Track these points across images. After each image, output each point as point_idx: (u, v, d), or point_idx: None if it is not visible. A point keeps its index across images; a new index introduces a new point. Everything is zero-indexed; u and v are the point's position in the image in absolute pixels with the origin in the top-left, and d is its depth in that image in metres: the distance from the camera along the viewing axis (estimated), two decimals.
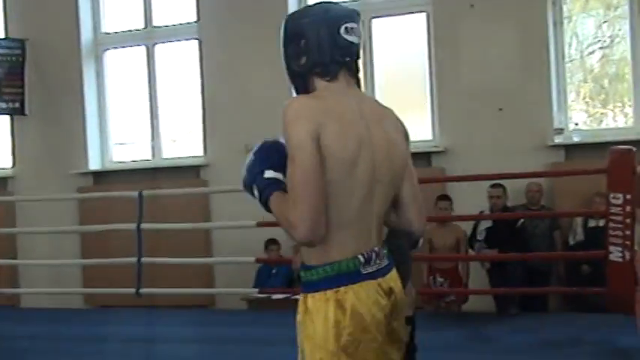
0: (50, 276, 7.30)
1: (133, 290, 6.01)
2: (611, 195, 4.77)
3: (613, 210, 4.76)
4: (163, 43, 7.77)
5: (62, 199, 7.37)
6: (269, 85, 7.08)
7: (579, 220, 6.11)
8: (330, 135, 1.92)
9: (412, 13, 7.10)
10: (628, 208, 4.62)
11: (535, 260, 6.10)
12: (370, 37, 7.13)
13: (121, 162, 7.92)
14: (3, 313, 6.87)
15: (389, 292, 2.03)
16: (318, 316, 1.96)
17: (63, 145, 7.74)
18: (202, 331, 5.84)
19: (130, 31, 7.89)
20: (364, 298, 1.96)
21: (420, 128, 6.98)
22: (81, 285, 7.45)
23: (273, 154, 2.04)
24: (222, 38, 7.28)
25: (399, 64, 7.28)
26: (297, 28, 2.08)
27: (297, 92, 2.10)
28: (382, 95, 7.12)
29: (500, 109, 6.52)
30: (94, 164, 7.82)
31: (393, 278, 2.07)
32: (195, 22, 7.52)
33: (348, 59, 2.07)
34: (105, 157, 7.90)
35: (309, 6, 2.15)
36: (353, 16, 2.09)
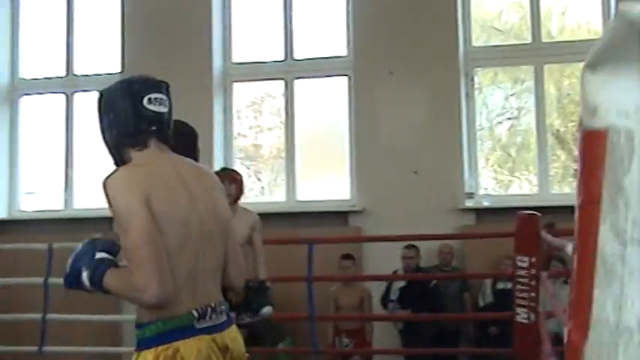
0: None
1: (35, 348, 5.78)
2: (518, 258, 4.97)
3: (519, 272, 4.94)
4: (84, 91, 7.68)
5: None
6: None
7: (489, 282, 6.33)
8: (158, 199, 2.01)
9: (334, 76, 7.31)
10: (533, 271, 4.81)
11: (446, 321, 6.26)
12: (292, 98, 7.30)
13: (28, 211, 7.65)
14: None
15: (224, 349, 2.08)
16: None
17: None
18: None
19: (50, 78, 7.76)
20: (195, 352, 2.00)
21: (339, 188, 7.14)
22: None
23: (101, 244, 2.11)
24: None
25: (320, 125, 7.45)
26: (106, 102, 2.23)
27: (116, 164, 2.21)
28: (303, 154, 7.26)
29: (416, 172, 6.75)
30: (1, 212, 7.54)
31: (231, 336, 2.13)
32: (120, 72, 7.49)
33: (154, 128, 2.18)
34: (12, 205, 7.63)
35: (118, 80, 2.32)
36: (159, 87, 2.23)
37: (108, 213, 6.71)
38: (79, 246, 2.12)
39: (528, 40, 7.08)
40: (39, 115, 7.87)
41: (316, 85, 7.43)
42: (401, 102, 6.84)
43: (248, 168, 7.84)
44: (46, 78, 7.78)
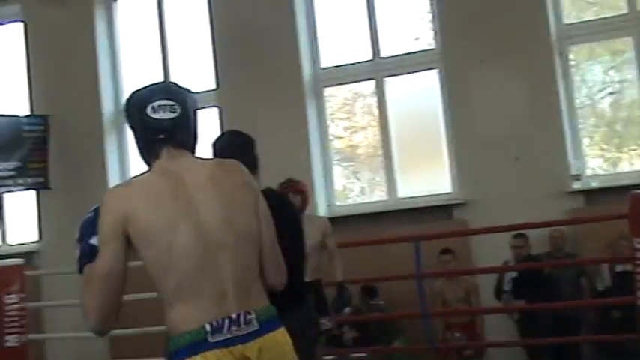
0: (78, 350, 7.32)
1: None
2: (635, 240, 4.79)
3: (638, 255, 4.78)
4: None
5: None
6: (286, 147, 7.27)
7: (605, 265, 6.10)
8: (137, 219, 1.95)
9: (423, 70, 7.26)
10: None
11: (563, 308, 6.09)
12: (384, 96, 7.31)
13: None
14: None
15: None
16: None
17: None
18: None
19: None
20: None
21: (439, 182, 7.08)
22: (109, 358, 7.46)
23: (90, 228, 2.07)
24: (240, 105, 7.46)
25: (413, 120, 7.40)
26: (127, 119, 2.18)
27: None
28: (400, 151, 7.25)
29: (517, 159, 6.61)
30: None
31: (258, 346, 1.98)
32: (215, 89, 7.74)
33: (162, 136, 2.08)
34: None
35: (132, 92, 2.20)
36: (164, 91, 2.12)
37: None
38: (90, 212, 2.10)
39: (624, 10, 6.78)
40: None
41: (406, 81, 7.40)
42: (495, 89, 6.71)
43: (346, 169, 7.90)
44: None
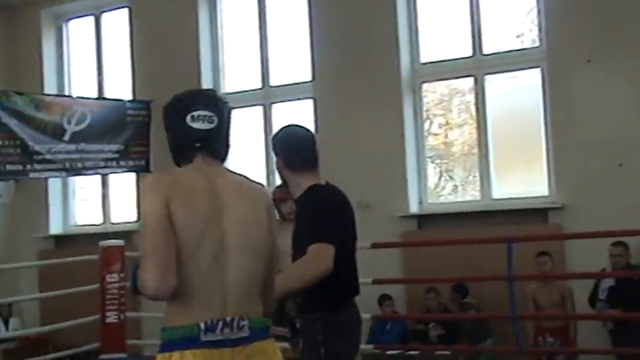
0: None
1: None
2: None
3: None
4: (280, 102, 8.10)
5: None
6: (380, 143, 7.26)
7: None
8: (177, 205, 2.05)
9: (526, 68, 7.08)
10: None
11: None
12: (483, 93, 7.18)
13: None
14: None
15: None
16: None
17: None
18: None
19: (248, 91, 8.25)
20: None
21: (536, 184, 6.90)
22: None
23: None
24: (336, 97, 7.50)
25: (512, 120, 7.24)
26: (163, 119, 2.32)
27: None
28: (496, 151, 7.12)
29: (620, 165, 6.36)
30: None
31: (248, 352, 2.08)
32: (310, 81, 7.80)
33: (198, 145, 2.21)
34: None
35: (175, 95, 2.31)
36: (206, 102, 2.24)
37: None
38: None
39: None
40: (240, 126, 8.39)
41: (507, 79, 7.24)
42: (601, 90, 6.47)
43: (439, 167, 7.82)
44: (244, 91, 8.27)
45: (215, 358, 2.05)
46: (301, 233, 2.91)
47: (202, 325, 2.05)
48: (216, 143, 2.26)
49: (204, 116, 2.22)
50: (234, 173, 2.31)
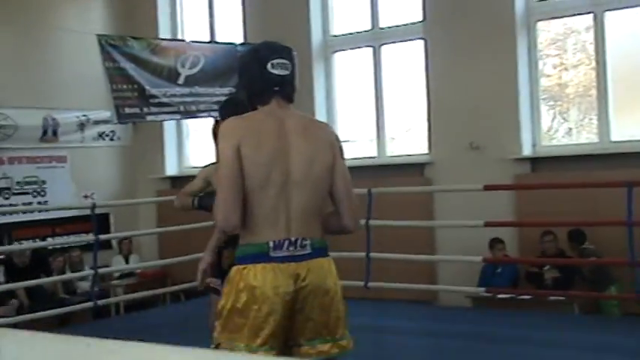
0: None
1: (361, 283, 6.32)
2: None
3: None
4: (390, 43, 8.00)
5: None
6: (493, 84, 7.10)
7: None
8: (248, 146, 2.45)
9: None
10: None
11: None
12: (602, 31, 6.85)
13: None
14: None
15: (295, 276, 2.45)
16: (231, 282, 2.49)
17: None
18: (429, 325, 5.95)
19: (358, 32, 8.20)
20: (263, 275, 2.43)
21: None
22: None
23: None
24: (447, 37, 7.36)
25: (633, 60, 6.88)
26: (240, 68, 2.74)
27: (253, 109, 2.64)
28: (615, 93, 6.82)
29: None
30: None
31: (308, 267, 2.48)
32: (421, 21, 7.67)
33: (277, 88, 2.58)
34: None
35: (250, 48, 2.79)
36: (282, 52, 2.61)
37: (417, 159, 6.80)
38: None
39: None
40: (349, 69, 8.40)
41: (627, 16, 6.87)
42: None
43: (553, 109, 7.59)
44: (354, 33, 8.23)
45: (282, 271, 2.45)
46: None
47: (271, 244, 2.46)
48: (289, 87, 2.62)
49: (283, 64, 2.58)
50: (303, 114, 2.70)
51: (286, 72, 2.58)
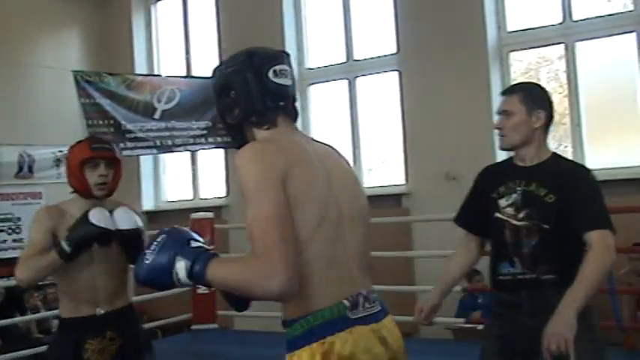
0: None
1: None
2: None
3: None
4: (365, 75, 8.07)
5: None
6: (468, 114, 7.16)
7: None
8: (295, 178, 1.73)
9: (619, 34, 6.79)
10: None
11: None
12: (574, 61, 6.96)
13: None
14: None
15: (383, 341, 1.82)
16: None
17: None
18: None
19: (333, 65, 8.27)
20: (353, 345, 1.75)
21: (632, 154, 6.66)
22: None
23: (186, 232, 1.83)
24: (421, 69, 7.43)
25: (605, 88, 6.99)
26: (223, 79, 1.95)
27: (237, 146, 1.92)
28: (588, 118, 6.91)
29: None
30: None
31: (388, 327, 1.86)
32: (395, 53, 7.75)
33: (282, 103, 1.91)
34: None
35: (234, 54, 1.98)
36: (281, 57, 1.95)
37: (394, 190, 6.86)
38: (161, 235, 1.81)
39: None
40: (325, 101, 8.44)
41: (599, 45, 6.98)
42: None
43: None
44: (328, 66, 8.30)
45: (369, 336, 1.80)
46: None
47: (347, 303, 1.78)
48: (294, 102, 1.99)
49: (286, 71, 1.94)
50: (311, 138, 2.05)
51: (290, 82, 1.94)
